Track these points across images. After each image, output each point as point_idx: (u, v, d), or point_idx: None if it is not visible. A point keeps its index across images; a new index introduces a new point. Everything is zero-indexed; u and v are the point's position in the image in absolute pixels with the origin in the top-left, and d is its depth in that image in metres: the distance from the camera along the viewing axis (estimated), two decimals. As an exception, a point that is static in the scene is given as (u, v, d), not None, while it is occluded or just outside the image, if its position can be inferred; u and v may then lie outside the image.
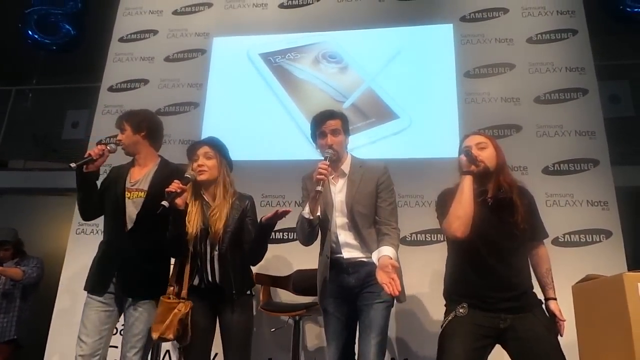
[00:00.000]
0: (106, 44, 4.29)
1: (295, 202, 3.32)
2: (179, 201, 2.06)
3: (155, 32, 4.25)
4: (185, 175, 2.14)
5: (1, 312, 3.52)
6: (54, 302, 3.49)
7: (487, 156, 2.02)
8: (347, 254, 2.17)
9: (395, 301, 2.14)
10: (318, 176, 2.04)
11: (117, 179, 2.39)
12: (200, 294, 2.20)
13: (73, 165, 2.25)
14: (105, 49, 4.27)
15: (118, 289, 2.26)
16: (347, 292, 2.16)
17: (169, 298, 2.16)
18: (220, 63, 4.05)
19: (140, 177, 2.36)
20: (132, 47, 4.23)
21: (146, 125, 2.40)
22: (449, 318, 1.98)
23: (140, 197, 2.30)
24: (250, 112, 3.82)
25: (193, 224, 2.19)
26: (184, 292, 2.16)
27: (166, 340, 2.11)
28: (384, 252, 2.03)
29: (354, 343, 2.18)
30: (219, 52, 4.09)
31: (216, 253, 2.20)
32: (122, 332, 2.32)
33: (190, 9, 4.29)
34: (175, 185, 2.04)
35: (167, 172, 2.35)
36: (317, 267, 2.29)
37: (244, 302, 2.24)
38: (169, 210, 2.03)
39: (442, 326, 2.02)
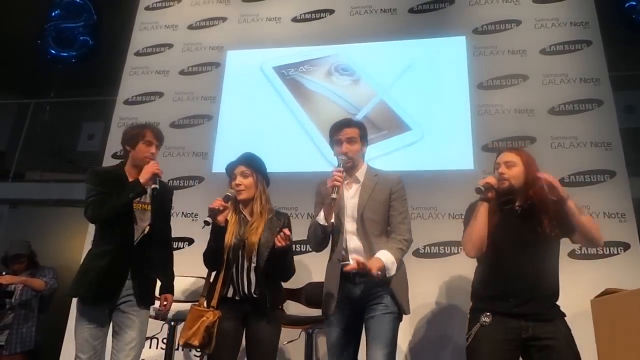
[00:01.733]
0: (122, 58, 4.38)
1: (308, 214, 3.32)
2: (220, 218, 2.16)
3: (170, 46, 4.32)
4: (227, 194, 2.22)
5: (20, 321, 3.56)
6: (68, 312, 3.51)
7: (513, 175, 2.08)
8: (353, 261, 2.14)
9: (402, 313, 2.14)
10: (333, 182, 2.06)
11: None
12: (232, 305, 2.23)
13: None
14: (121, 63, 4.36)
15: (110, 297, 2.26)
16: (353, 304, 2.15)
17: (200, 306, 2.22)
18: (234, 76, 4.10)
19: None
20: (147, 60, 4.31)
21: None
22: (475, 329, 2.00)
23: (145, 209, 2.37)
24: (263, 124, 3.86)
25: (229, 236, 2.26)
26: (214, 302, 2.20)
27: (191, 346, 2.15)
28: (378, 255, 2.06)
29: (356, 357, 2.17)
30: (233, 65, 4.14)
31: (253, 265, 2.24)
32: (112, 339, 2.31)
33: (205, 24, 4.35)
34: (217, 203, 2.13)
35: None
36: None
37: (275, 316, 2.28)
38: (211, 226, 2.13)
39: (467, 339, 2.02)
